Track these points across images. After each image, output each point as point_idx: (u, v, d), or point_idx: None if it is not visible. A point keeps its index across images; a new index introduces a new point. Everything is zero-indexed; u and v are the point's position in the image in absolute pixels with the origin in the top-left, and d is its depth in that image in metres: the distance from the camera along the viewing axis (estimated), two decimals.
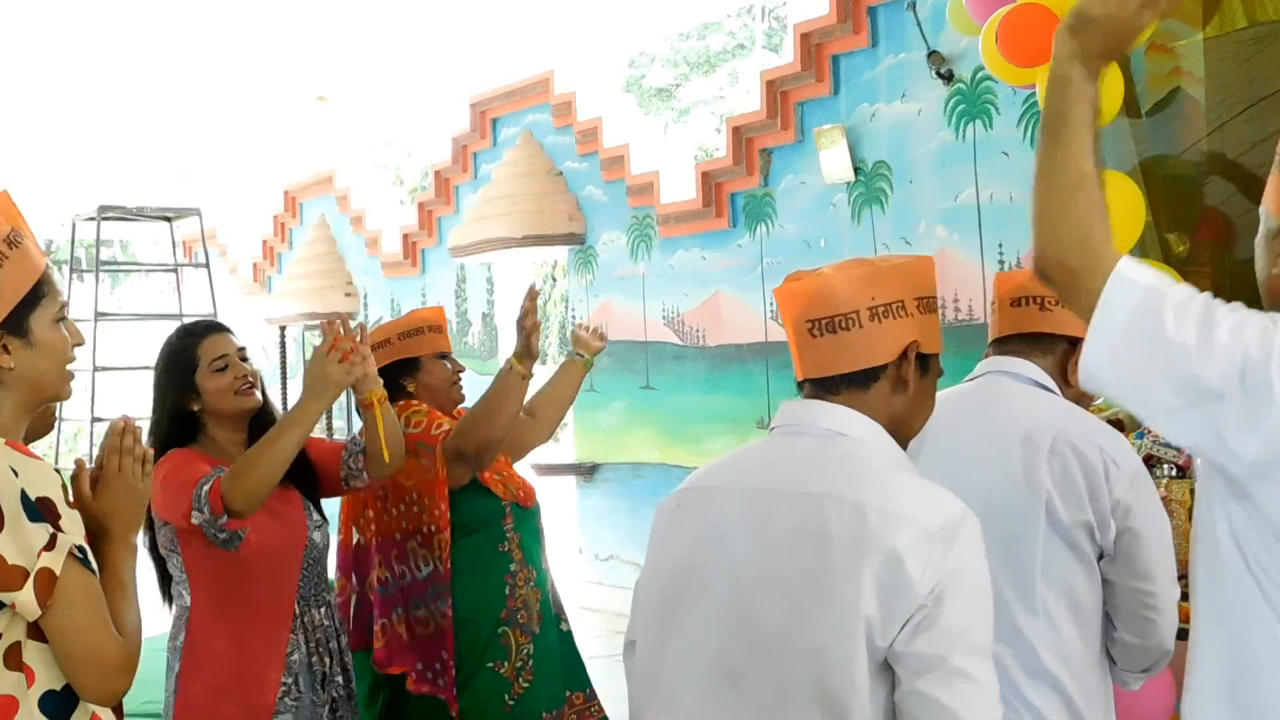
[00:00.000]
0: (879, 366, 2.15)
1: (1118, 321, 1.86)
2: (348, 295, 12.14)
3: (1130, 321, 1.85)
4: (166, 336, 3.68)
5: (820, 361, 2.16)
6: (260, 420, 3.58)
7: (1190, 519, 3.72)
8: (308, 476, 3.63)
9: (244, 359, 3.57)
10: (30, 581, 2.10)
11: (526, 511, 3.96)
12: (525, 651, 3.82)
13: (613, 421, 9.03)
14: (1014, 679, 2.71)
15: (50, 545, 2.13)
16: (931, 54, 6.49)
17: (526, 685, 3.81)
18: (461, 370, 4.18)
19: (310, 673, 3.54)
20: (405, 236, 11.27)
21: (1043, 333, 2.92)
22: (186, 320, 4.18)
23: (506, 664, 3.79)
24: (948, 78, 6.46)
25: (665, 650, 2.18)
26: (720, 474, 2.26)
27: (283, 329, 13.05)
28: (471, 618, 3.79)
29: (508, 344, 9.84)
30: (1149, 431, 3.86)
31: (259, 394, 3.58)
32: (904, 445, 2.21)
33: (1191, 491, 3.75)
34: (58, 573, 2.12)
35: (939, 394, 2.51)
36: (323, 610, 3.61)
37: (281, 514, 3.50)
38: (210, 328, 3.65)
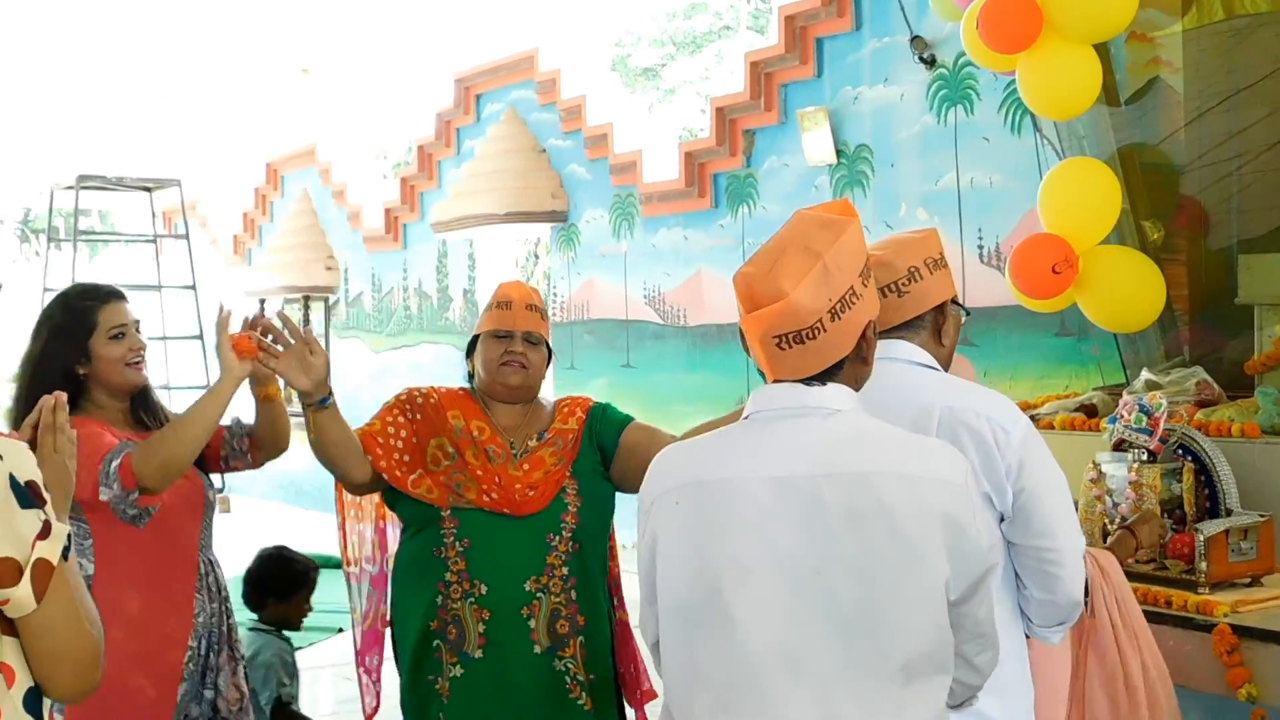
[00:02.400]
0: (844, 356, 2.22)
1: None
2: (328, 269, 12.14)
3: None
4: (61, 292, 3.65)
5: (793, 368, 2.20)
6: (143, 393, 3.60)
7: (1159, 501, 3.79)
8: None
9: (138, 331, 3.56)
10: (27, 575, 1.92)
11: (501, 519, 3.40)
12: (450, 674, 3.39)
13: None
14: None
15: (44, 534, 1.94)
16: (914, 39, 6.53)
17: (441, 711, 3.42)
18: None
19: (209, 636, 3.61)
20: (387, 211, 11.27)
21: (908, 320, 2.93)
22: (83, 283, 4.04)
23: (441, 680, 3.41)
24: (930, 63, 6.50)
25: (705, 647, 2.18)
26: (724, 465, 2.24)
27: (262, 301, 13.04)
28: (400, 622, 3.55)
29: None
30: (1121, 416, 3.91)
31: (145, 371, 3.60)
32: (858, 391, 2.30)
33: (1162, 475, 3.81)
34: (55, 564, 1.95)
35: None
36: (220, 572, 3.70)
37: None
38: (112, 293, 3.61)
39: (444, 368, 10.07)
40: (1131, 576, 3.82)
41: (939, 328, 2.93)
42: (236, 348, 3.39)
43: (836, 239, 2.18)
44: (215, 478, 3.89)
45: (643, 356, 8.69)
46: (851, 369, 2.24)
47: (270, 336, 3.39)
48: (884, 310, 2.92)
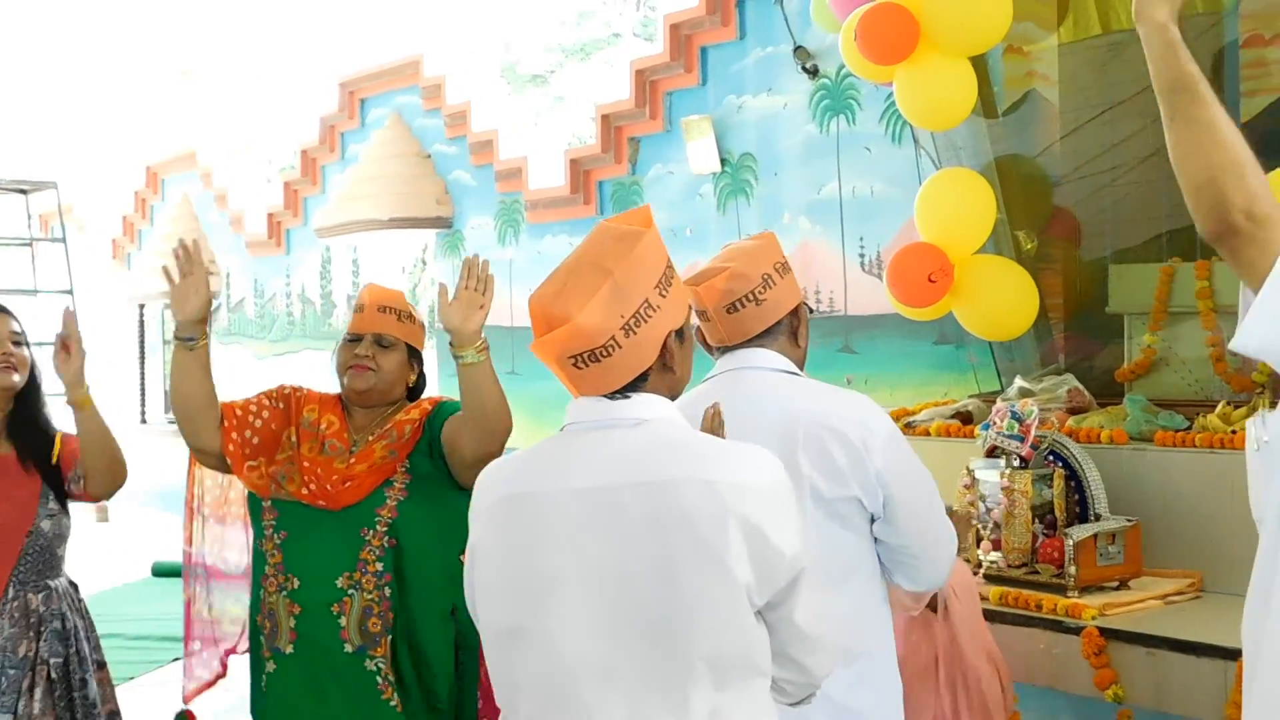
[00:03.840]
0: (647, 368, 2.23)
1: None
2: (210, 274, 11.95)
3: None
4: None
5: (593, 385, 2.22)
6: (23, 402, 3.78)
7: (1030, 506, 3.86)
8: (55, 467, 3.79)
9: (17, 343, 3.73)
10: None
11: (318, 513, 3.35)
12: (267, 668, 3.37)
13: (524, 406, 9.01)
14: None
15: None
16: (797, 49, 6.58)
17: (260, 704, 3.42)
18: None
19: (14, 655, 3.67)
20: (270, 216, 11.13)
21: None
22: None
23: (263, 674, 3.40)
24: (813, 73, 6.55)
25: (522, 659, 2.21)
26: (535, 478, 2.26)
27: (142, 307, 12.82)
28: (247, 614, 3.56)
29: None
30: (994, 424, 3.97)
31: (15, 377, 3.75)
32: (675, 398, 2.32)
33: (1033, 481, 3.88)
34: None
35: (683, 399, 2.68)
36: (41, 596, 3.76)
37: (12, 496, 3.61)
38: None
39: (327, 374, 9.93)
40: (1002, 580, 3.90)
41: (794, 331, 3.02)
42: None
43: (629, 253, 2.19)
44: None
45: (529, 364, 8.64)
46: (659, 379, 2.26)
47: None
48: (744, 320, 2.95)
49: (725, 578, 2.11)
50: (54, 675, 3.69)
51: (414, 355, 3.53)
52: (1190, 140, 2.18)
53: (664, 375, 2.26)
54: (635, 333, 2.17)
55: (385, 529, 3.33)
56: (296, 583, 3.35)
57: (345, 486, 3.35)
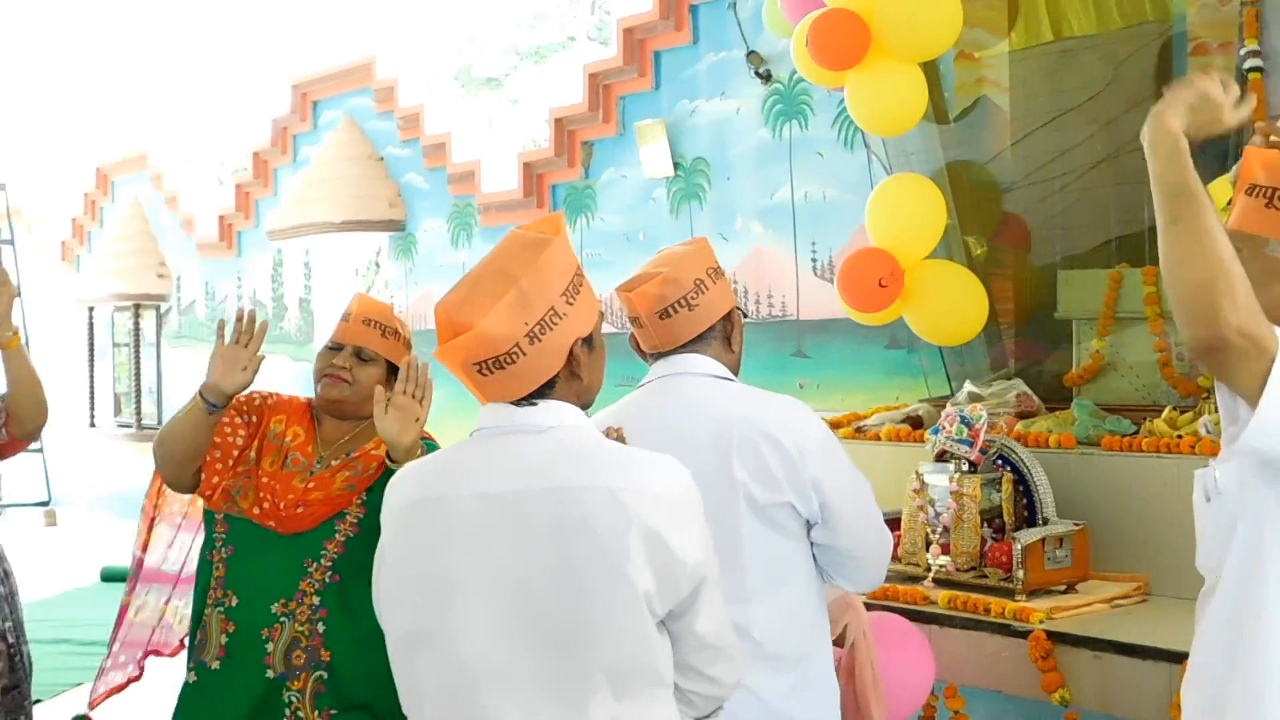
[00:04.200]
0: (554, 375, 2.24)
1: None
2: (160, 276, 11.88)
3: None
4: None
5: (499, 392, 2.23)
6: None
7: (979, 511, 3.87)
8: None
9: None
10: None
11: (267, 534, 3.28)
12: (188, 678, 3.31)
13: (431, 411, 8.96)
14: None
15: None
16: (750, 54, 6.59)
17: (176, 713, 3.35)
18: None
19: None
20: (221, 218, 11.06)
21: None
22: None
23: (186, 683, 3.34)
24: (766, 77, 6.57)
25: (424, 665, 2.23)
26: (442, 482, 2.27)
27: (91, 309, 12.70)
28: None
29: (324, 329, 9.72)
30: (943, 428, 3.98)
31: None
32: (587, 407, 2.34)
33: (982, 485, 3.89)
34: None
35: (618, 405, 2.81)
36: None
37: None
38: None
39: (278, 378, 9.88)
40: (951, 584, 3.92)
41: (728, 336, 3.00)
42: None
43: (535, 260, 2.20)
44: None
45: None
46: (566, 386, 2.27)
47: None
48: (677, 325, 2.95)
49: (625, 586, 2.12)
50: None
51: (394, 371, 3.41)
52: (1190, 246, 2.20)
53: (572, 383, 2.27)
54: (540, 340, 2.19)
55: (329, 563, 3.25)
56: (234, 600, 3.29)
57: (297, 512, 3.28)
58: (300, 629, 3.23)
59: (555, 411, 2.24)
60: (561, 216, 2.36)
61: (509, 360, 2.17)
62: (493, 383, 2.21)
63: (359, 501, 3.28)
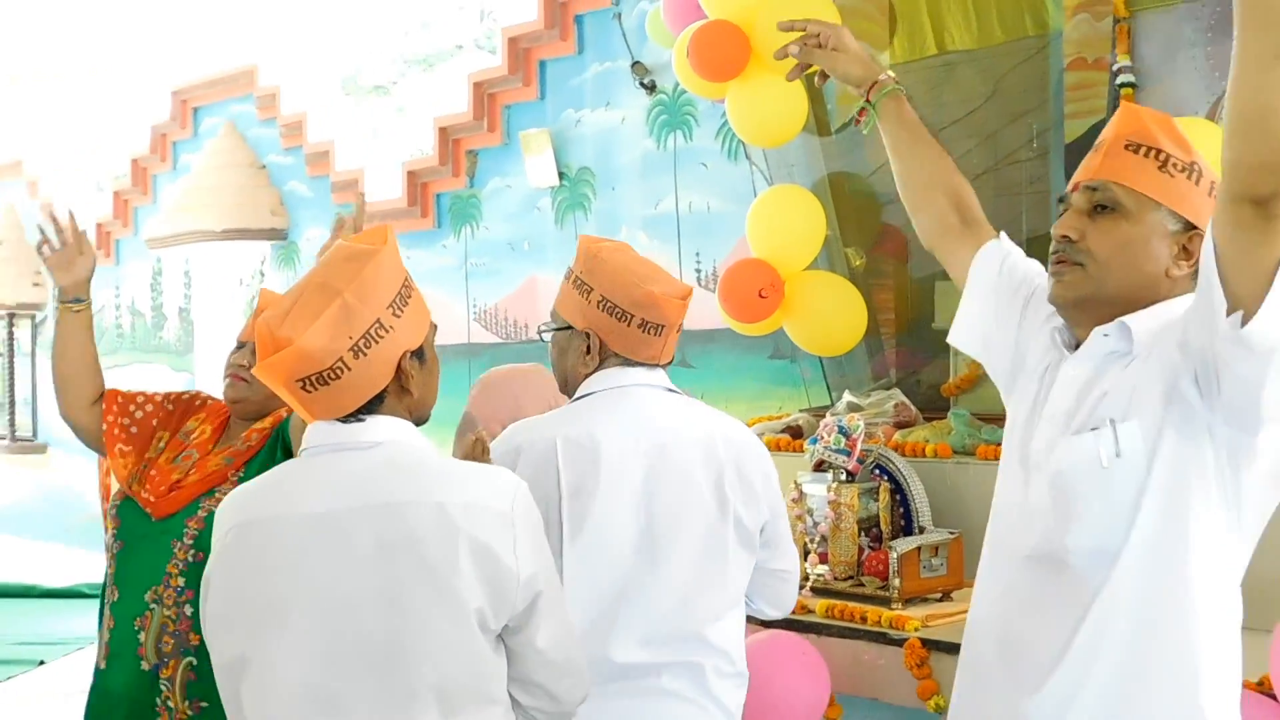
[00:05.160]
0: (382, 390, 2.20)
1: None
2: (35, 285, 11.65)
3: None
4: None
5: (325, 408, 2.18)
6: None
7: (856, 520, 3.90)
8: None
9: None
10: None
11: (147, 523, 3.23)
12: (92, 684, 3.25)
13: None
14: (712, 687, 2.79)
15: None
16: (635, 64, 6.60)
17: None
18: None
19: None
20: (99, 226, 10.83)
21: None
22: None
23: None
24: (651, 88, 6.57)
25: (249, 692, 2.17)
26: (267, 504, 2.22)
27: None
28: None
29: (205, 339, 9.58)
30: (821, 438, 4.01)
31: None
32: (422, 422, 2.30)
33: (860, 495, 3.91)
34: None
35: (578, 411, 2.79)
36: None
37: None
38: None
39: (158, 389, 9.70)
40: (829, 593, 3.94)
41: (586, 349, 2.93)
42: None
43: (359, 272, 2.15)
44: None
45: None
46: (396, 400, 2.22)
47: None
48: (625, 335, 2.87)
49: (454, 601, 2.08)
50: None
51: None
52: None
53: (402, 397, 2.22)
54: (365, 354, 2.13)
55: (191, 541, 3.18)
56: (116, 594, 3.23)
57: (169, 495, 3.23)
58: (168, 613, 3.15)
59: (383, 427, 2.19)
60: (389, 228, 2.30)
61: (333, 376, 2.12)
62: (318, 399, 2.15)
63: (234, 478, 3.21)
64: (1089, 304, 2.36)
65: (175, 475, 3.27)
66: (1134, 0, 4.77)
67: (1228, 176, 2.00)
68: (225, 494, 3.14)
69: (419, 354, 2.25)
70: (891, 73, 2.97)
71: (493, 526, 2.12)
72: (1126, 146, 2.35)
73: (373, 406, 2.19)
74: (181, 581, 3.16)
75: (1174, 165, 2.33)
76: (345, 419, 2.18)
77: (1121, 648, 2.21)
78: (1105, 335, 2.32)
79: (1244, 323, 2.02)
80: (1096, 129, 4.49)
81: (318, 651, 2.10)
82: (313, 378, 2.12)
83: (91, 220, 10.90)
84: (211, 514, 3.11)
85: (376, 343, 2.14)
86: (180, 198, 9.38)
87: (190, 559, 3.17)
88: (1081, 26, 4.94)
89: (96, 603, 3.40)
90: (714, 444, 2.82)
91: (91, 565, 9.02)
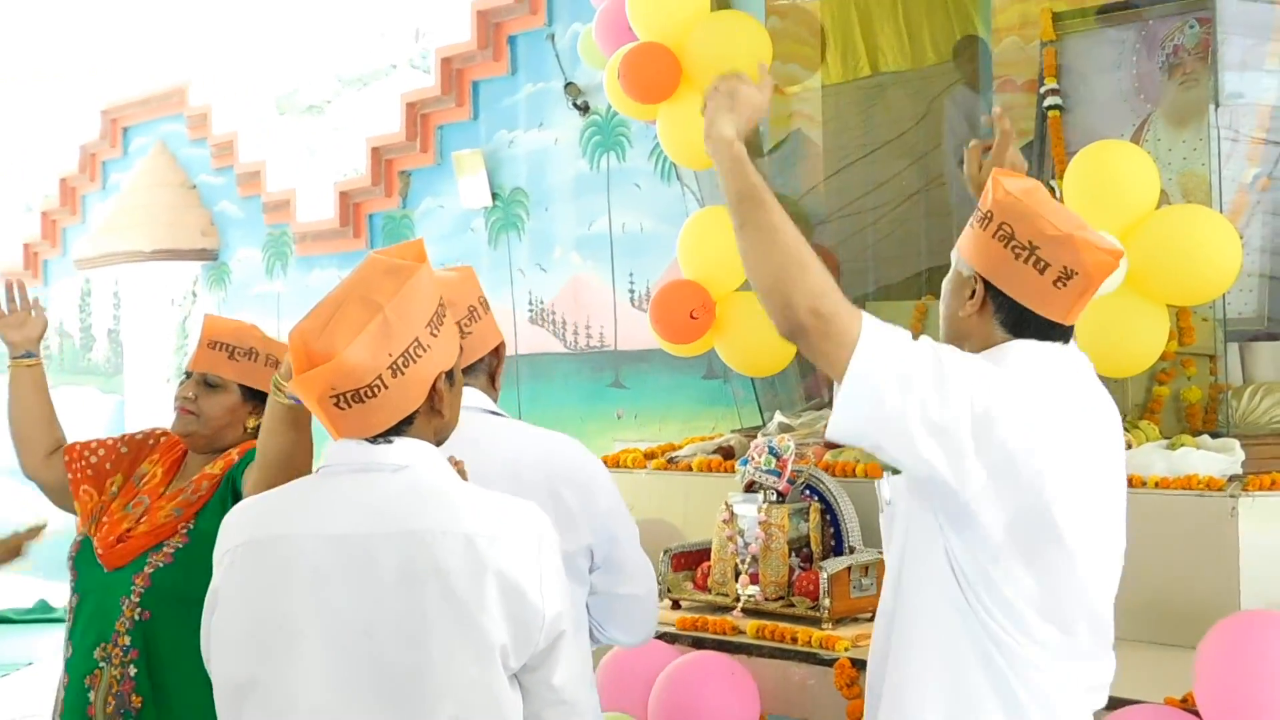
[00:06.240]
0: (414, 411, 2.15)
1: (870, 389, 2.23)
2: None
3: (881, 386, 2.23)
4: None
5: (356, 426, 2.12)
6: None
7: (786, 540, 3.90)
8: None
9: None
10: None
11: (99, 575, 3.14)
12: None
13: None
14: None
15: None
16: (568, 85, 6.60)
17: None
18: None
19: None
20: (27, 247, 10.70)
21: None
22: None
23: None
24: (584, 109, 6.58)
25: (255, 711, 2.09)
26: (284, 521, 2.14)
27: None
28: None
29: (134, 360, 9.47)
30: (752, 459, 4.01)
31: None
32: (442, 443, 2.25)
33: (790, 515, 3.92)
34: None
35: None
36: None
37: None
38: None
39: (86, 411, 9.59)
40: (760, 614, 3.93)
41: (493, 372, 2.87)
42: None
43: (400, 288, 2.09)
44: None
45: None
46: (425, 422, 2.16)
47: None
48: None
49: (478, 636, 2.02)
50: None
51: (257, 396, 3.19)
52: (757, 245, 2.32)
53: (431, 419, 2.17)
54: (404, 373, 2.07)
55: (138, 599, 3.08)
56: (70, 650, 3.15)
57: (117, 546, 3.13)
58: (115, 673, 3.06)
59: (411, 450, 2.13)
60: (423, 243, 2.25)
61: (369, 394, 2.06)
62: (350, 417, 2.08)
63: (183, 530, 3.11)
64: None
65: (125, 525, 3.17)
66: (1061, 24, 4.83)
67: None
68: (170, 548, 3.11)
69: (450, 375, 2.20)
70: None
71: (521, 562, 2.07)
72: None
73: (402, 427, 2.12)
74: (128, 640, 3.07)
75: (974, 216, 2.54)
76: (373, 439, 2.12)
77: (914, 683, 2.45)
78: None
79: None
80: (1025, 151, 4.55)
81: (334, 679, 2.03)
82: (348, 394, 2.06)
83: (18, 241, 10.78)
84: (158, 570, 3.08)
85: (415, 362, 2.09)
86: (110, 218, 9.28)
87: (137, 617, 3.08)
88: (1010, 50, 5.00)
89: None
90: (520, 469, 2.69)
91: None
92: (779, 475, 3.94)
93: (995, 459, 2.27)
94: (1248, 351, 4.31)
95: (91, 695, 3.05)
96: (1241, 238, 4.05)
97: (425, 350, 2.11)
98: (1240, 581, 3.42)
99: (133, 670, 3.05)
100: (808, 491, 4.02)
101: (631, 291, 6.44)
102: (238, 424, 3.25)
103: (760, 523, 3.94)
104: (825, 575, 3.78)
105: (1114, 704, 2.84)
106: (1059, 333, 2.48)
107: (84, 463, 3.31)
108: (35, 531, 3.58)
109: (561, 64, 6.66)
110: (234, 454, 3.23)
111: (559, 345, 6.73)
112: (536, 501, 2.59)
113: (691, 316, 4.68)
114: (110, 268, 9.33)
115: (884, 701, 2.50)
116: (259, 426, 3.06)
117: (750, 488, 4.02)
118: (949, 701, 2.38)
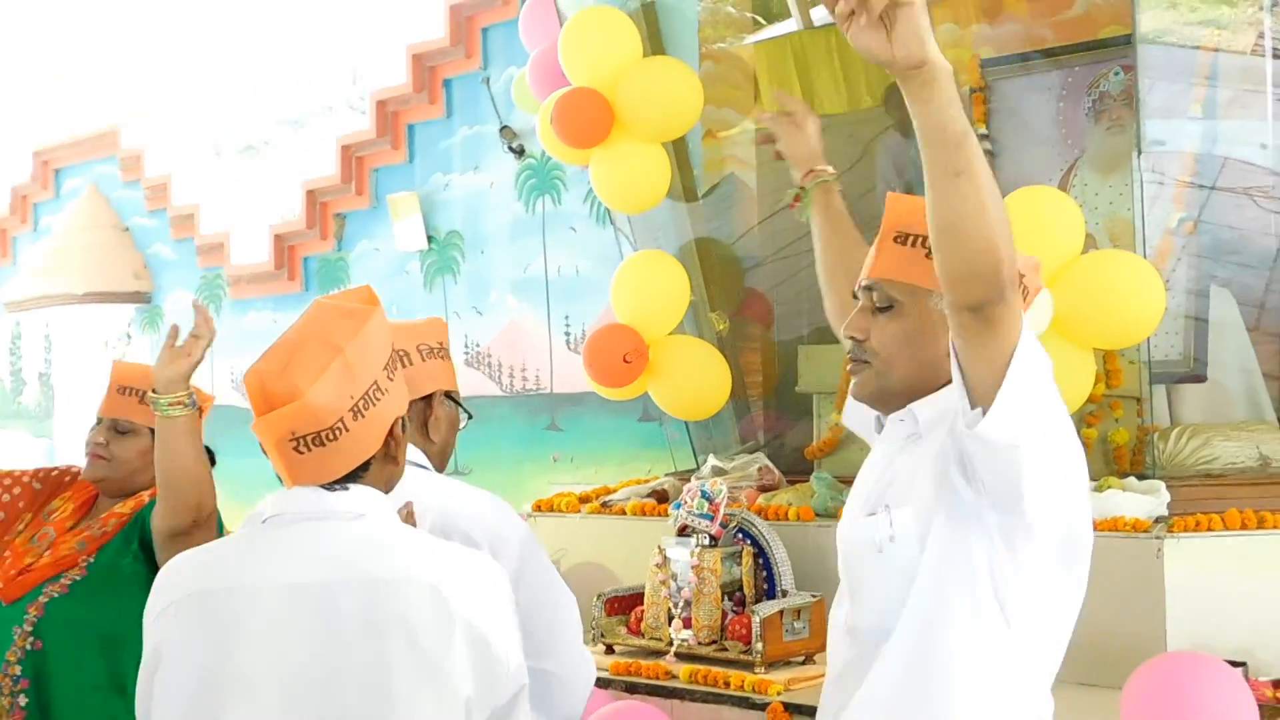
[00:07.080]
0: (370, 457, 2.11)
1: (1028, 388, 2.10)
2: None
3: (1037, 388, 2.12)
4: None
5: (313, 472, 2.07)
6: None
7: (719, 584, 3.90)
8: None
9: None
10: None
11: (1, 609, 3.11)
12: None
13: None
14: None
15: None
16: (504, 129, 6.61)
17: None
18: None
19: None
20: None
21: None
22: None
23: None
24: (519, 152, 6.59)
25: None
26: (233, 572, 2.06)
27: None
28: None
29: (65, 404, 9.36)
30: (685, 502, 4.01)
31: None
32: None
33: (723, 559, 3.92)
34: None
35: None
36: None
37: None
38: None
39: (16, 454, 9.45)
40: (693, 659, 3.92)
41: (425, 420, 2.81)
42: None
43: (358, 330, 2.06)
44: None
45: (233, 442, 8.31)
46: (380, 469, 2.12)
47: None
48: None
49: (443, 687, 1.97)
50: None
51: None
52: (982, 201, 1.96)
53: (385, 466, 2.13)
54: (364, 415, 2.04)
55: (30, 628, 3.04)
56: None
57: (17, 579, 3.07)
58: (4, 703, 3.00)
59: (366, 497, 2.08)
60: (371, 289, 2.22)
61: (330, 436, 2.01)
62: (308, 462, 2.04)
63: (84, 563, 3.08)
64: (882, 397, 2.45)
65: (28, 559, 3.13)
66: (989, 71, 4.89)
67: (943, 288, 2.10)
68: (68, 579, 3.08)
69: (403, 423, 2.17)
70: (831, 168, 3.12)
71: (487, 614, 2.02)
72: (895, 239, 2.43)
73: (358, 474, 2.08)
74: (18, 670, 3.03)
75: (889, 237, 2.44)
76: (329, 486, 2.07)
77: None
78: (900, 420, 2.44)
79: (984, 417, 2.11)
80: None
81: None
82: (309, 437, 2.01)
83: None
84: (52, 600, 3.05)
85: (374, 405, 2.05)
86: (41, 260, 9.19)
87: (29, 647, 3.04)
88: None
89: None
90: (420, 519, 2.51)
91: None
92: (711, 519, 3.94)
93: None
94: (1174, 393, 4.37)
95: None
96: (1167, 281, 4.10)
97: (383, 394, 2.08)
98: (1167, 623, 3.46)
99: (23, 700, 3.01)
100: (740, 535, 4.03)
101: (568, 334, 6.44)
102: (149, 467, 3.19)
103: (693, 566, 3.94)
104: (758, 619, 3.78)
105: None
106: None
107: None
108: None
109: (497, 107, 6.68)
110: (144, 496, 3.22)
111: (495, 388, 6.72)
112: None
113: (625, 360, 4.69)
114: (41, 310, 9.22)
115: None
116: None
117: (683, 531, 4.03)
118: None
